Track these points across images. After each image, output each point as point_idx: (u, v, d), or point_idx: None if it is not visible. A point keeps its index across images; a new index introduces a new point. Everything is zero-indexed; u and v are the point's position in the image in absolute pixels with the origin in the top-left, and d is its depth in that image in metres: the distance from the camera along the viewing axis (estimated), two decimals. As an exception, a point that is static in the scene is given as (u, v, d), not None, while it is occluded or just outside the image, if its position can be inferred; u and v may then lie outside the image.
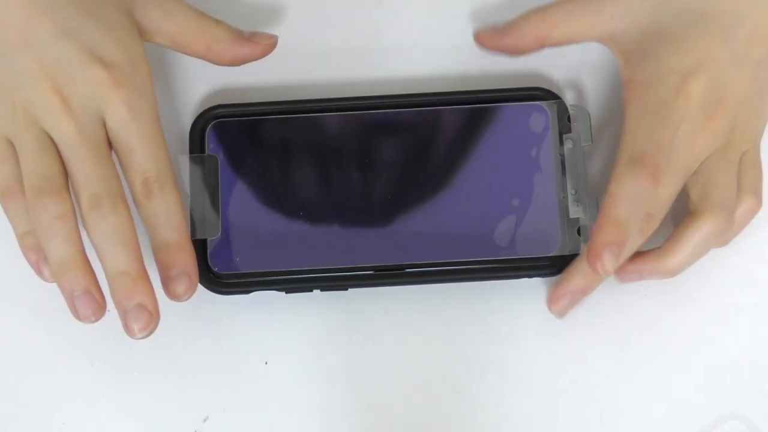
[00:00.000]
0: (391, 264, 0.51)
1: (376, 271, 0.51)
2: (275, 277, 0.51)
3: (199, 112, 0.54)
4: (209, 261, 0.52)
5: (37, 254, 0.48)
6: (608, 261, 0.47)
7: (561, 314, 0.52)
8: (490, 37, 0.53)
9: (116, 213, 0.46)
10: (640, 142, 0.48)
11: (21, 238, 0.48)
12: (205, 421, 0.52)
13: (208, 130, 0.53)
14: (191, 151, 0.53)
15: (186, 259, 0.47)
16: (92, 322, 0.47)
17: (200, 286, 0.50)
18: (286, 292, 0.52)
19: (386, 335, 0.53)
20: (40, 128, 0.47)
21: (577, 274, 0.51)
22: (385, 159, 0.53)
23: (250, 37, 0.52)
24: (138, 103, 0.48)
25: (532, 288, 0.53)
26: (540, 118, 0.53)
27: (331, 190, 0.52)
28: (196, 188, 0.52)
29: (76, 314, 0.47)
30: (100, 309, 0.46)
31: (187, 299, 0.48)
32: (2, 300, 0.53)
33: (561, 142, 0.52)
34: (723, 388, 0.52)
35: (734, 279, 0.53)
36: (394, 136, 0.53)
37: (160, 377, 0.53)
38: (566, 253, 0.51)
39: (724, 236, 0.51)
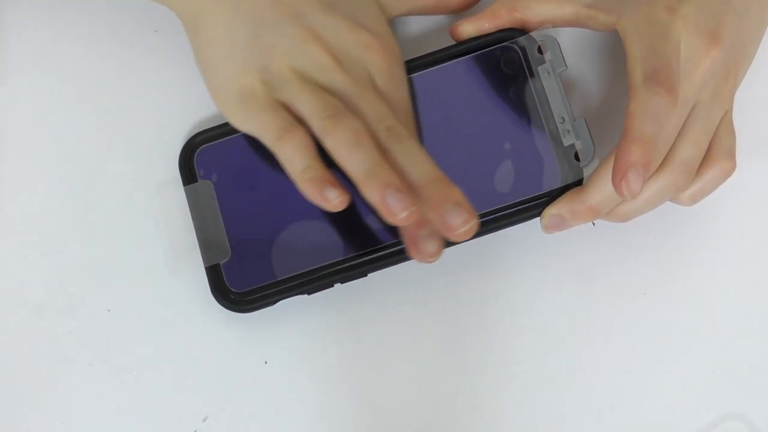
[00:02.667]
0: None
1: (393, 248, 0.52)
2: (294, 282, 0.52)
3: (182, 145, 0.54)
4: (227, 283, 0.52)
5: (319, 183, 0.48)
6: (634, 182, 0.47)
7: (547, 230, 0.51)
8: (467, 22, 0.53)
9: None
10: (647, 60, 0.48)
11: (302, 172, 0.48)
12: (204, 420, 0.52)
13: (195, 158, 0.53)
14: (184, 182, 0.53)
15: (456, 191, 0.47)
16: (404, 218, 0.46)
17: (224, 309, 0.51)
18: (308, 293, 0.52)
19: (386, 334, 0.53)
20: (314, 83, 0.50)
21: (572, 201, 0.50)
22: None
23: None
24: (398, 69, 0.51)
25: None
26: (512, 57, 0.53)
27: None
28: (198, 216, 0.53)
29: (390, 213, 0.46)
30: (412, 203, 0.46)
31: (465, 233, 0.47)
32: (2, 300, 0.53)
33: (537, 75, 0.53)
34: (723, 388, 0.52)
35: (734, 278, 0.53)
36: None
37: (160, 377, 0.53)
38: (570, 181, 0.51)
39: (688, 195, 0.51)
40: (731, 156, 0.50)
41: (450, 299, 0.53)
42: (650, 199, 0.50)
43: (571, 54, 0.55)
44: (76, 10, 0.56)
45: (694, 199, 0.51)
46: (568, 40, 0.55)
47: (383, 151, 0.48)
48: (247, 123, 0.50)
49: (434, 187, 0.47)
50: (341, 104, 0.49)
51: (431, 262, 0.49)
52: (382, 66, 0.50)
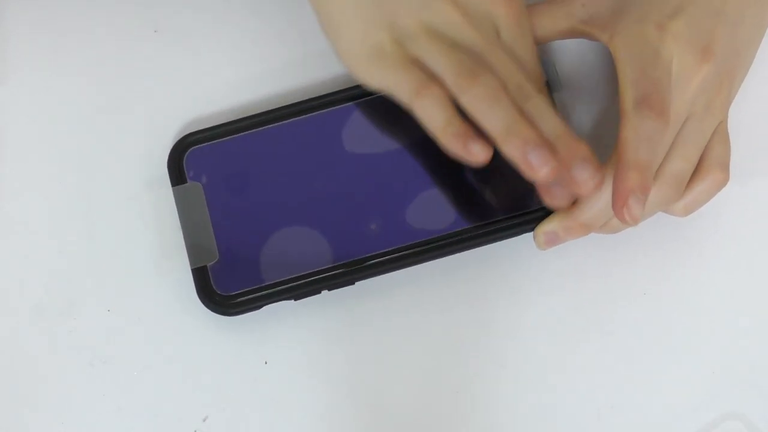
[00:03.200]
0: (393, 248, 0.52)
1: (382, 257, 0.52)
2: (281, 287, 0.52)
3: (172, 145, 0.54)
4: (213, 286, 0.52)
5: (463, 138, 0.47)
6: (635, 208, 0.47)
7: (542, 247, 0.52)
8: None
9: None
10: (638, 84, 0.48)
11: (444, 128, 0.48)
12: (204, 420, 0.52)
13: (184, 159, 0.54)
14: (173, 183, 0.53)
15: (583, 147, 0.47)
16: (546, 175, 0.46)
17: (211, 312, 0.51)
18: (295, 299, 0.52)
19: (387, 334, 0.53)
20: (444, 39, 0.49)
21: (565, 217, 0.51)
22: (364, 150, 0.53)
23: None
24: (525, 21, 0.51)
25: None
26: None
27: (319, 189, 0.53)
28: (186, 218, 0.53)
29: (531, 169, 0.47)
30: (553, 159, 0.46)
31: (593, 187, 0.47)
32: (2, 300, 0.53)
33: None
34: (723, 387, 0.52)
35: (734, 278, 0.53)
36: (370, 126, 0.53)
37: (160, 377, 0.53)
38: None
39: (680, 207, 0.51)
40: (724, 167, 0.50)
41: (449, 299, 0.53)
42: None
43: (567, 75, 0.55)
44: (76, 10, 0.56)
45: (687, 210, 0.51)
46: (564, 60, 0.55)
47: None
48: (381, 80, 0.49)
49: (562, 142, 0.47)
50: (474, 61, 0.49)
51: (564, 208, 0.50)
52: (509, 19, 0.50)
